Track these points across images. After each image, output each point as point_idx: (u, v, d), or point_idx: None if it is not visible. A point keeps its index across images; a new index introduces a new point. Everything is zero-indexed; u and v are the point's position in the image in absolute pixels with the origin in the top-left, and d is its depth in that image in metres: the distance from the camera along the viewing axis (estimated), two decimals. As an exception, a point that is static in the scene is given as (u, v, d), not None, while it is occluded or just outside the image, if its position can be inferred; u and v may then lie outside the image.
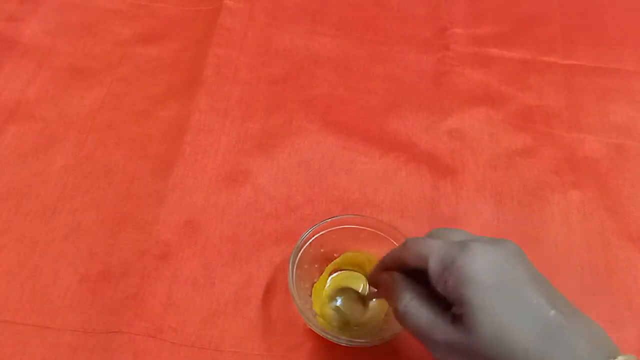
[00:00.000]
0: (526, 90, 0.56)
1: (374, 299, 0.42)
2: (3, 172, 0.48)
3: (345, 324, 0.42)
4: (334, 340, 0.39)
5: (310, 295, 0.42)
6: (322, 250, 0.43)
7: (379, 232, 0.43)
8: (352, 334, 0.40)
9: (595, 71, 0.58)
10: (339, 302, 0.42)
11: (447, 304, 0.30)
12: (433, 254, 0.30)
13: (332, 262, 0.44)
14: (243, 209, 0.47)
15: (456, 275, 0.28)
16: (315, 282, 0.43)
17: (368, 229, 0.43)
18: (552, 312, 0.27)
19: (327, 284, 0.43)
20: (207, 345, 0.41)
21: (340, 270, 0.44)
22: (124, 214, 0.46)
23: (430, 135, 0.52)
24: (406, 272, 0.33)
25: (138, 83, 0.55)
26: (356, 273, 0.44)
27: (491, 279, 0.28)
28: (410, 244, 0.32)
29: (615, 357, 0.26)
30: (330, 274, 0.44)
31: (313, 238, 0.42)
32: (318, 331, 0.39)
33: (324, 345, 0.40)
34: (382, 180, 0.50)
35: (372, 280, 0.38)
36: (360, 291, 0.42)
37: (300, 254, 0.41)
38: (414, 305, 0.31)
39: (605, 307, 0.44)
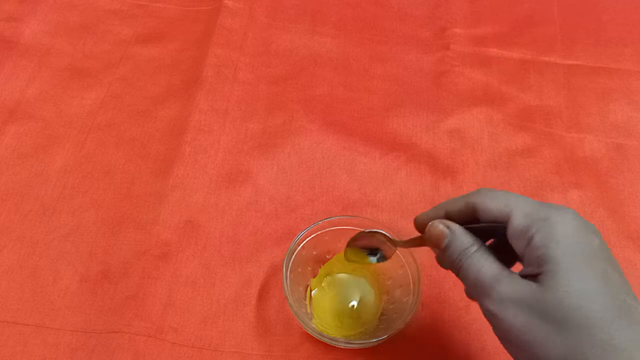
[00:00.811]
0: (526, 90, 0.56)
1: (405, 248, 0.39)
2: (3, 172, 0.48)
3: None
4: (331, 342, 0.39)
5: (305, 298, 0.42)
6: (314, 253, 0.43)
7: None
8: (349, 336, 0.41)
9: (595, 71, 0.58)
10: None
11: (510, 262, 0.30)
12: (518, 207, 0.29)
13: (325, 264, 0.44)
14: (243, 209, 0.47)
15: (547, 232, 0.27)
16: (309, 285, 0.43)
17: (361, 229, 0.43)
18: (630, 295, 0.27)
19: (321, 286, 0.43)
20: (207, 346, 0.41)
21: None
22: (124, 214, 0.46)
23: (430, 135, 0.52)
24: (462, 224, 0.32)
25: (138, 83, 0.55)
26: (353, 277, 0.44)
27: (580, 245, 0.27)
28: (488, 192, 0.31)
29: None
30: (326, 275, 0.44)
31: (306, 240, 0.42)
32: (314, 334, 0.39)
33: (324, 345, 0.40)
34: (382, 180, 0.50)
35: (419, 226, 0.35)
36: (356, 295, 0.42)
37: (293, 257, 0.41)
38: (478, 256, 0.30)
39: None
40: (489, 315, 0.29)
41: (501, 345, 0.35)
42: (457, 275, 0.31)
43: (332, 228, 0.43)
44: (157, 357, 0.40)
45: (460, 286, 0.44)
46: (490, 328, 0.33)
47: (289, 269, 0.41)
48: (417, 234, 0.36)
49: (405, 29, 0.61)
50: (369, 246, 0.41)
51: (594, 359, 0.25)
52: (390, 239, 0.39)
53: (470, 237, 0.31)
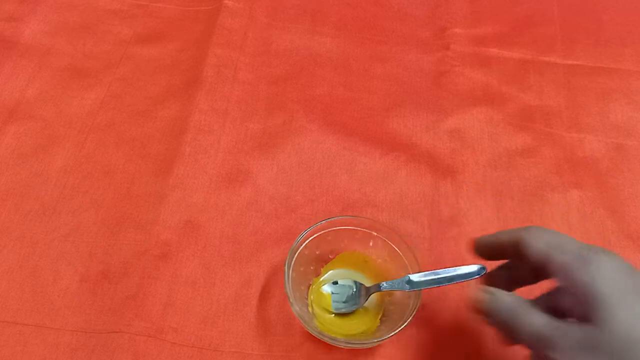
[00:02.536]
0: (526, 90, 0.56)
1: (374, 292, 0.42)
2: (3, 172, 0.48)
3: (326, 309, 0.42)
4: (331, 342, 0.39)
5: (307, 298, 0.42)
6: (317, 252, 0.43)
7: (374, 233, 0.43)
8: (350, 336, 0.41)
9: (595, 71, 0.58)
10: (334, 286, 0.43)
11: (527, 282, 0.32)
12: (561, 248, 0.31)
13: (328, 264, 0.44)
14: (243, 209, 0.47)
15: (592, 270, 0.29)
16: (312, 285, 0.43)
17: (363, 229, 0.43)
18: None
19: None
20: (207, 346, 0.41)
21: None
22: (124, 214, 0.46)
23: (431, 135, 0.52)
24: (500, 255, 0.35)
25: (138, 83, 0.55)
26: (351, 272, 0.44)
27: (627, 282, 0.29)
28: (537, 230, 0.33)
29: None
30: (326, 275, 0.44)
31: (308, 240, 0.42)
32: (315, 334, 0.39)
33: (324, 345, 0.40)
34: (382, 180, 0.50)
35: (481, 248, 0.37)
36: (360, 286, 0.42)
37: (295, 256, 0.41)
38: (526, 311, 0.31)
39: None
40: None
41: (501, 346, 0.35)
42: (509, 332, 0.32)
43: (335, 228, 0.43)
44: (157, 357, 0.40)
45: (460, 286, 0.44)
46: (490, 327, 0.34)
47: (291, 268, 0.41)
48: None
49: (405, 29, 0.61)
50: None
51: None
52: (364, 286, 0.42)
53: (512, 296, 0.33)
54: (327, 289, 0.42)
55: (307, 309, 0.42)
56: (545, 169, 0.51)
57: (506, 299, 0.32)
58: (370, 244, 0.43)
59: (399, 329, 0.38)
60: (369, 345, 0.40)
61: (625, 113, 0.55)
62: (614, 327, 0.28)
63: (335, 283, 0.43)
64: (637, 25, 0.62)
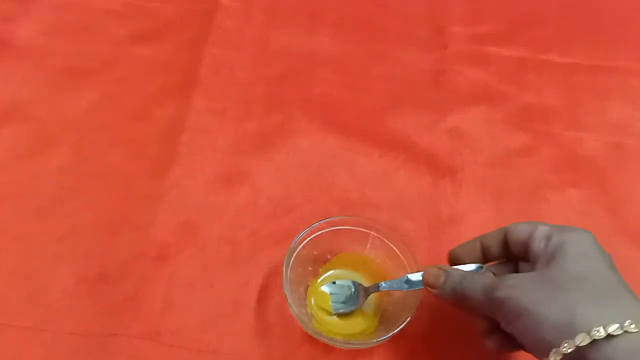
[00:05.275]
0: (525, 88, 0.56)
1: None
2: (-2, 173, 0.48)
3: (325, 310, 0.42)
4: (330, 343, 0.39)
5: (305, 298, 0.42)
6: (315, 253, 0.43)
7: (372, 233, 0.43)
8: (349, 336, 0.40)
9: (593, 69, 0.58)
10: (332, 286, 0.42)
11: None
12: (542, 225, 0.35)
13: (327, 264, 0.44)
14: (241, 210, 0.47)
15: (564, 236, 0.33)
16: (310, 285, 0.43)
17: (362, 229, 0.43)
18: (616, 275, 0.32)
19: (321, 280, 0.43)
20: (206, 348, 0.41)
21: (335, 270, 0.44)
22: (121, 215, 0.46)
23: (430, 134, 0.52)
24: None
25: (134, 83, 0.55)
26: (350, 272, 0.44)
27: (590, 247, 0.33)
28: (518, 223, 0.37)
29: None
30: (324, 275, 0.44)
31: (306, 240, 0.42)
32: (314, 334, 0.39)
33: (323, 347, 0.40)
34: (382, 180, 0.49)
35: (453, 259, 0.39)
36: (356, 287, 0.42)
37: (293, 257, 0.41)
38: (475, 275, 0.36)
39: (605, 306, 0.44)
40: (499, 303, 0.32)
41: (500, 345, 0.35)
42: (460, 300, 0.35)
43: (333, 228, 0.43)
44: None
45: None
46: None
47: (289, 269, 0.40)
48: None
49: (404, 28, 0.61)
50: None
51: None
52: (363, 286, 0.42)
53: (461, 270, 0.37)
54: (325, 289, 0.42)
55: (306, 310, 0.41)
56: (544, 168, 0.51)
57: (458, 272, 0.36)
58: (369, 244, 0.43)
59: (398, 329, 0.38)
60: (368, 346, 0.40)
61: (624, 111, 0.55)
62: (562, 267, 0.32)
63: (334, 283, 0.42)
64: (635, 23, 0.62)
